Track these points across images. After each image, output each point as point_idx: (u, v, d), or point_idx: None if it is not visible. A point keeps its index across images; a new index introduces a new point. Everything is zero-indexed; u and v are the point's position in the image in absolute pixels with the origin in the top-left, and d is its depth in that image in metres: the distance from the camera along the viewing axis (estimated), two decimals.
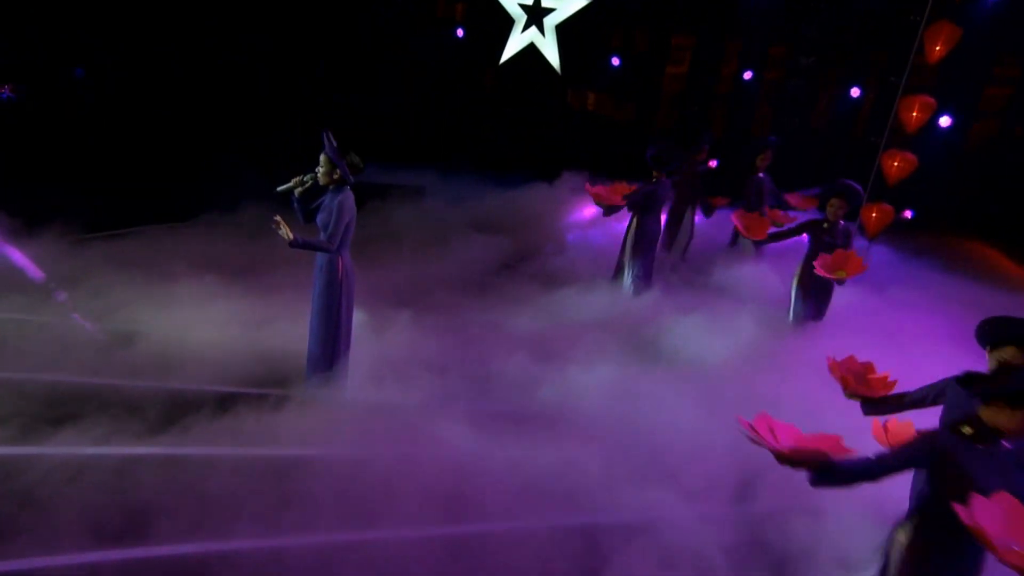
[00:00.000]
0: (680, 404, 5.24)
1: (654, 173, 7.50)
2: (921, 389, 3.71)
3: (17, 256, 6.61)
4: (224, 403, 4.98)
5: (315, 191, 4.86)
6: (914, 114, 8.94)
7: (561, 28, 14.19)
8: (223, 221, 8.34)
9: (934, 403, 3.62)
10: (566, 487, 4.50)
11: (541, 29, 14.32)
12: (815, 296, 6.65)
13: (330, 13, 13.92)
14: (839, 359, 4.03)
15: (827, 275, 6.07)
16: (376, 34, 14.57)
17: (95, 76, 12.00)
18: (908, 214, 11.07)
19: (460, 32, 15.24)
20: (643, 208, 7.57)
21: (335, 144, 4.71)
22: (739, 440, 5.05)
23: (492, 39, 14.63)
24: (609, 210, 7.60)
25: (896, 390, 3.89)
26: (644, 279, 7.75)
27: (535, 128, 14.58)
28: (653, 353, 6.04)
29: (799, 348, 5.90)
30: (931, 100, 9.03)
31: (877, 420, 3.95)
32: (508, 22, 14.40)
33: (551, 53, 14.36)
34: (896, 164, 9.09)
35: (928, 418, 3.64)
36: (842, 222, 6.50)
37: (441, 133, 14.17)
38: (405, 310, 6.40)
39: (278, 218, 4.58)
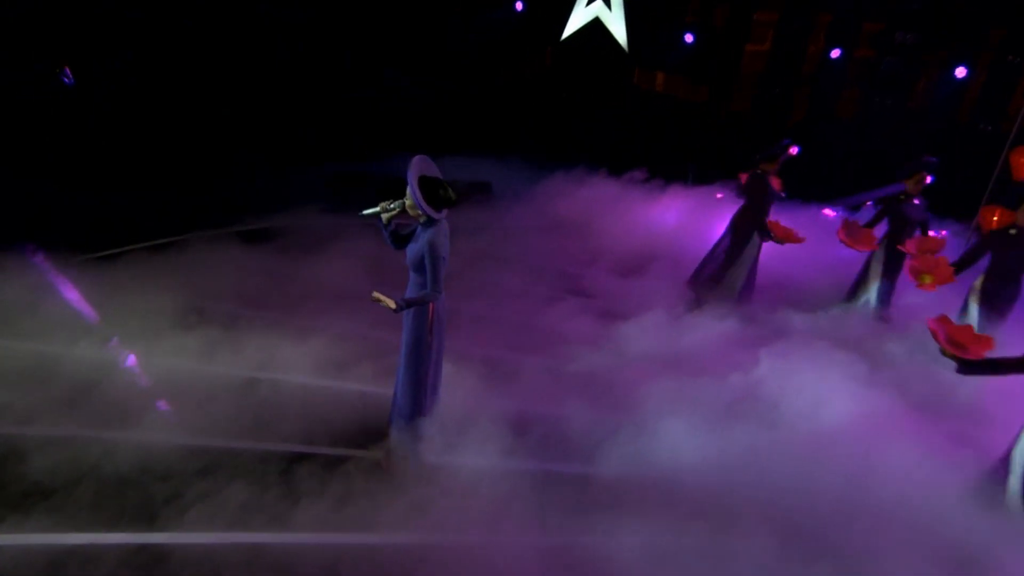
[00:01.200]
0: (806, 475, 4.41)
1: (760, 166, 6.87)
2: None
3: (57, 283, 6.03)
4: (266, 467, 4.32)
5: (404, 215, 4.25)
6: None
7: (629, 1, 13.19)
8: (259, 232, 7.71)
9: None
10: None
11: (607, 2, 13.34)
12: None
13: None
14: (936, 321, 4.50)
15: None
16: (424, 11, 13.70)
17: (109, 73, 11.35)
18: None
19: (519, 6, 14.27)
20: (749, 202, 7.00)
21: (423, 177, 4.00)
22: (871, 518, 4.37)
23: (553, 13, 13.67)
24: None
25: None
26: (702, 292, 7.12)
27: (599, 112, 13.59)
28: (763, 409, 5.11)
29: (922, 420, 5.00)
30: None
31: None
32: None
33: (618, 28, 13.41)
34: None
35: None
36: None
37: (496, 119, 13.27)
38: (482, 344, 5.68)
39: (376, 295, 4.04)
